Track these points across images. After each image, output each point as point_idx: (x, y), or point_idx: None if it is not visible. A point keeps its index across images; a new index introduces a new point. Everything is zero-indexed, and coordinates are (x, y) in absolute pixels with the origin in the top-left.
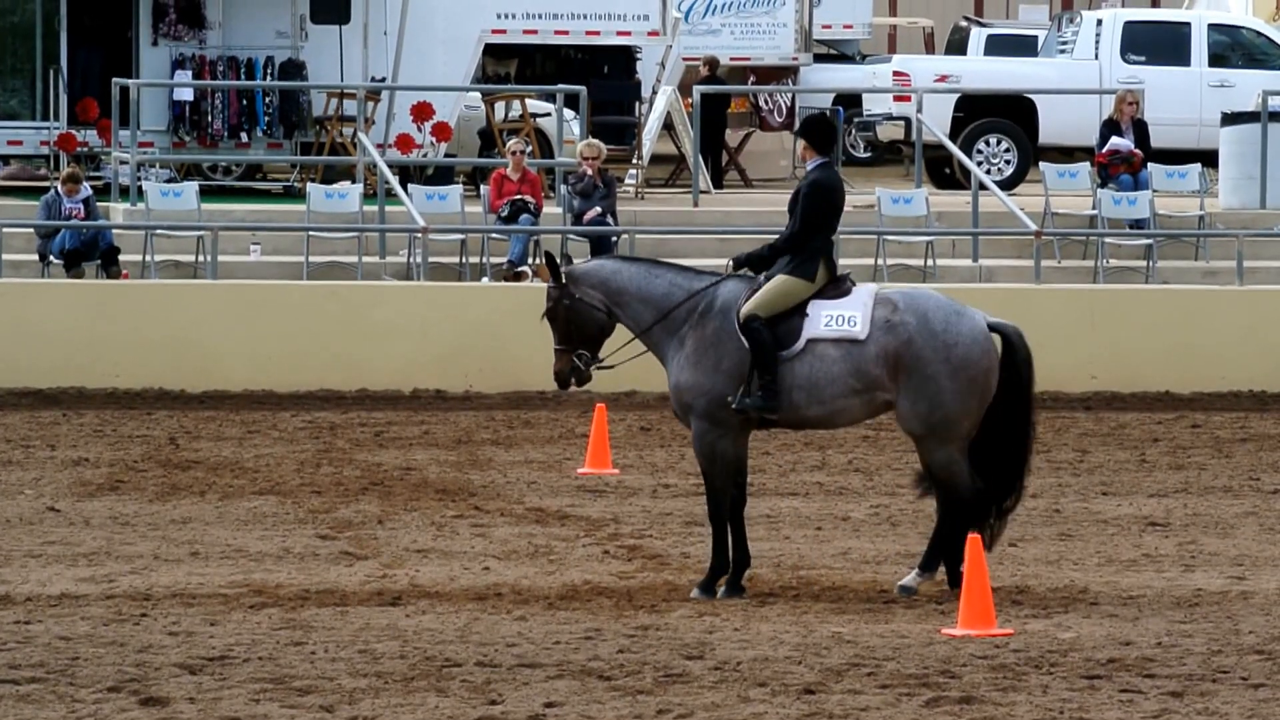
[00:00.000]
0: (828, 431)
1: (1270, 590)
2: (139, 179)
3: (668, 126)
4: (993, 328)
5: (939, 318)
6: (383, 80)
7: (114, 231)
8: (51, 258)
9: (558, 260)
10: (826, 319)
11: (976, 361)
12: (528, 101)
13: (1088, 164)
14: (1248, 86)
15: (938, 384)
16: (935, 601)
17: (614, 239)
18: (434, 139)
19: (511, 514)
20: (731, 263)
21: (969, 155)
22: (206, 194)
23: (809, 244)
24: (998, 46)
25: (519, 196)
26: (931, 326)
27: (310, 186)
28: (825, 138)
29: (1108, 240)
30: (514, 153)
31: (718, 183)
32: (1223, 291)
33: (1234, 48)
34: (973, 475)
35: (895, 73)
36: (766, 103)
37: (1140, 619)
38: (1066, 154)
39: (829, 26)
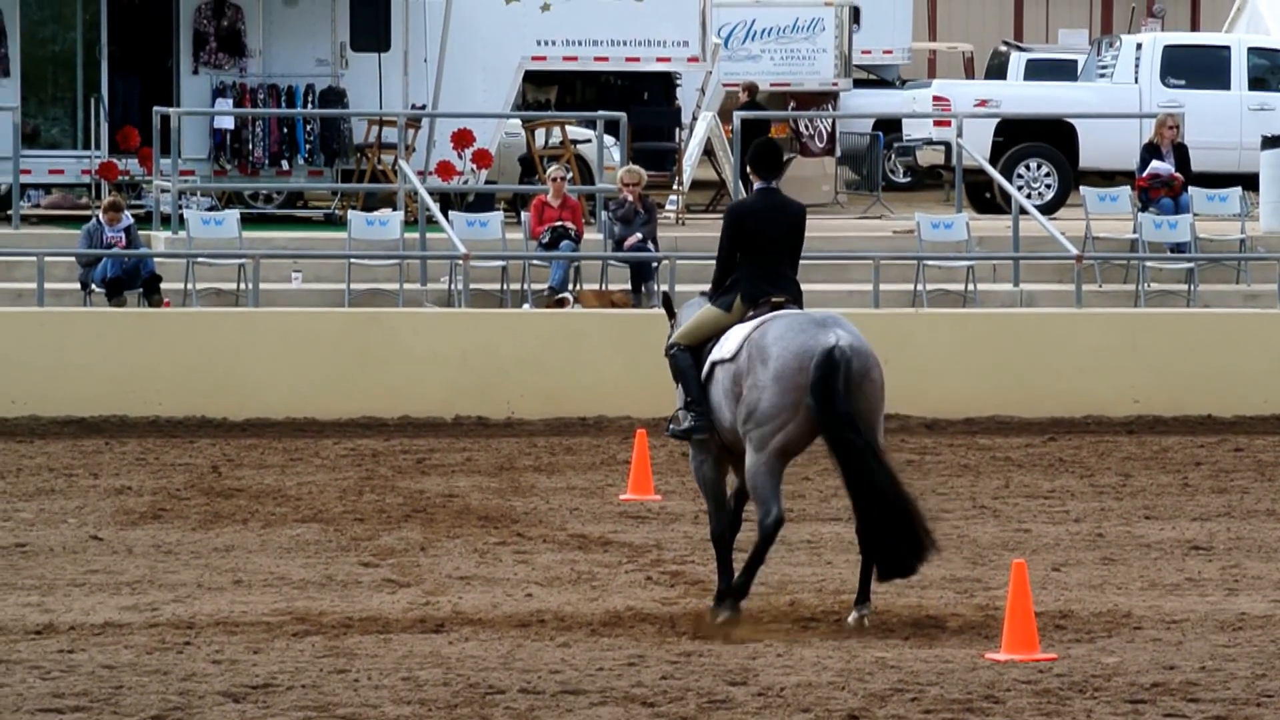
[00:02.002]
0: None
1: None
2: (180, 207)
3: (708, 152)
4: (835, 348)
5: (777, 333)
6: (423, 107)
7: (155, 260)
8: (93, 286)
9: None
10: (720, 343)
11: (791, 376)
12: (568, 128)
13: (1128, 188)
14: None
15: (757, 392)
16: (979, 626)
17: (655, 265)
18: (475, 166)
19: (554, 540)
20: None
21: (1009, 180)
22: (248, 222)
23: (725, 274)
24: (1037, 71)
25: (560, 223)
26: (765, 341)
27: (351, 214)
28: (763, 161)
29: (1149, 264)
30: (554, 179)
31: None
32: (1264, 315)
33: (1274, 71)
34: (777, 500)
35: (935, 97)
36: (807, 128)
37: (1184, 643)
38: (1107, 178)
39: (869, 52)
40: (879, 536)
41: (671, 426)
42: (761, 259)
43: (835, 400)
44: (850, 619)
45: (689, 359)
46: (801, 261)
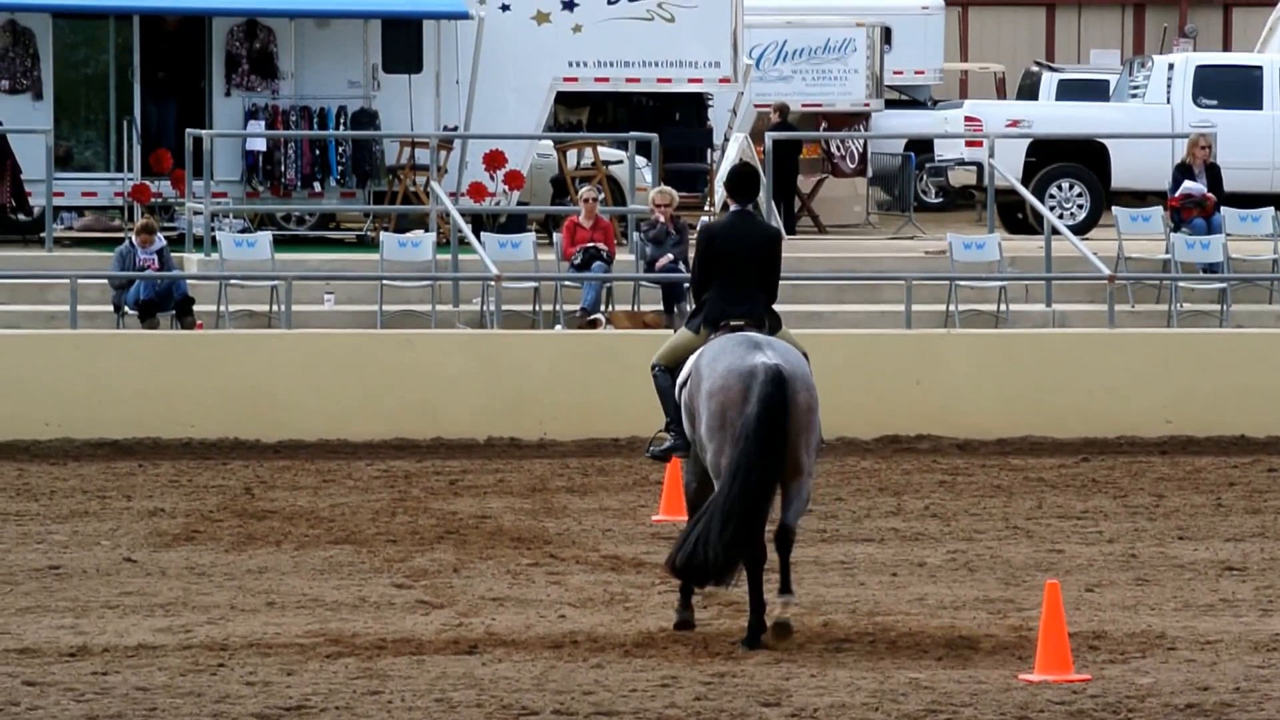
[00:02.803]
0: (903, 477)
1: None
2: (213, 229)
3: None
4: (759, 367)
5: (710, 355)
6: (455, 129)
7: (188, 282)
8: (126, 308)
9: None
10: (684, 365)
11: (712, 395)
12: (600, 149)
13: (1160, 208)
14: None
15: (695, 411)
16: (1012, 647)
17: (686, 285)
18: (506, 187)
19: (587, 561)
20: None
21: (1041, 200)
22: (280, 244)
23: (700, 295)
24: (1069, 91)
25: (592, 244)
26: (701, 363)
27: (383, 235)
28: (740, 185)
29: (1181, 284)
30: (586, 200)
31: (790, 228)
32: None
33: None
34: (699, 505)
35: (967, 118)
36: (839, 149)
37: (1218, 664)
38: (1139, 198)
39: (900, 72)
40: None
41: (652, 448)
42: (731, 280)
43: (755, 420)
44: (774, 613)
45: (668, 379)
46: (835, 282)
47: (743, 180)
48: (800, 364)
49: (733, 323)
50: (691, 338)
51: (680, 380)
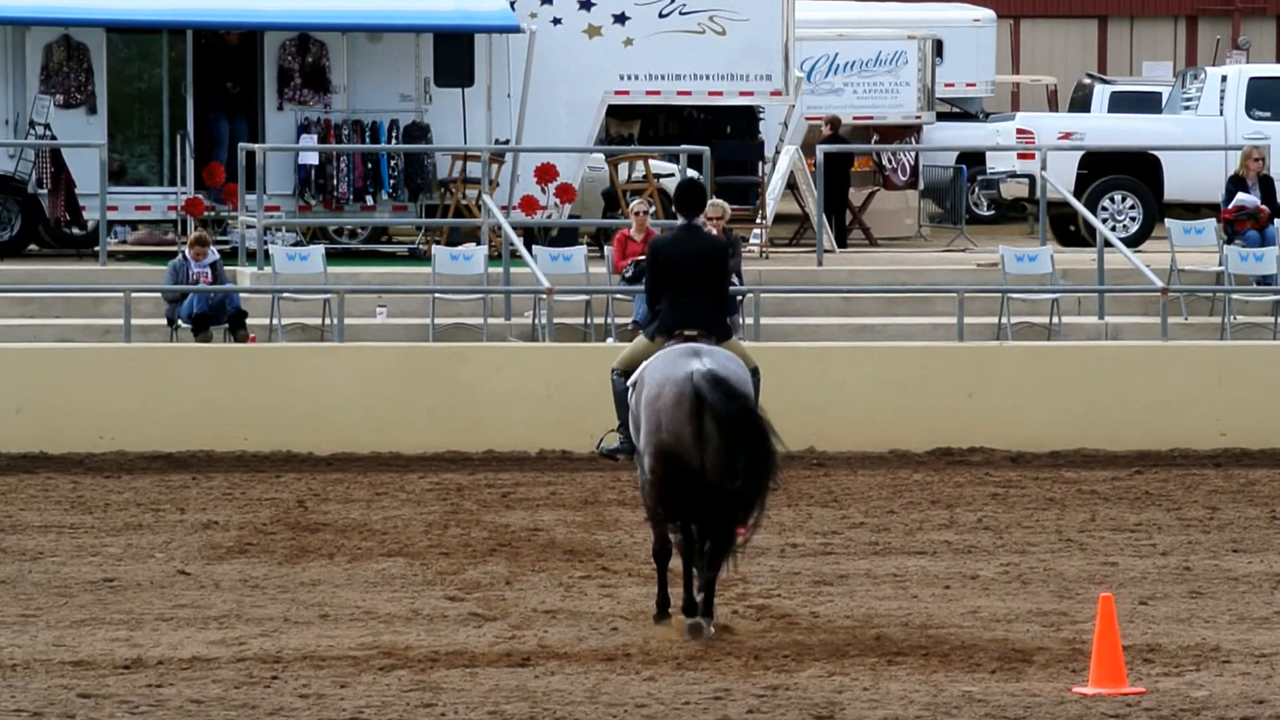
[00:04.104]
0: (956, 489)
1: None
2: (265, 243)
3: (791, 186)
4: (694, 373)
5: (652, 363)
6: (506, 142)
7: (241, 295)
8: (179, 322)
9: None
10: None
11: (650, 402)
12: (651, 162)
13: (1214, 220)
14: None
15: (637, 417)
16: (1066, 660)
17: (739, 299)
18: (558, 200)
19: (639, 574)
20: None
21: (1094, 212)
22: (332, 257)
23: (654, 305)
24: (1121, 103)
25: (643, 257)
26: (645, 371)
27: (435, 249)
28: (686, 200)
29: (1234, 296)
30: (638, 213)
31: (842, 242)
32: None
33: None
34: (659, 510)
35: (1019, 130)
36: (890, 161)
37: (1273, 677)
38: (1192, 210)
39: (952, 85)
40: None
41: (602, 445)
42: (681, 292)
43: (703, 418)
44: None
45: (623, 383)
46: (886, 295)
47: (689, 195)
48: (737, 371)
49: (686, 332)
50: (647, 345)
51: (630, 384)
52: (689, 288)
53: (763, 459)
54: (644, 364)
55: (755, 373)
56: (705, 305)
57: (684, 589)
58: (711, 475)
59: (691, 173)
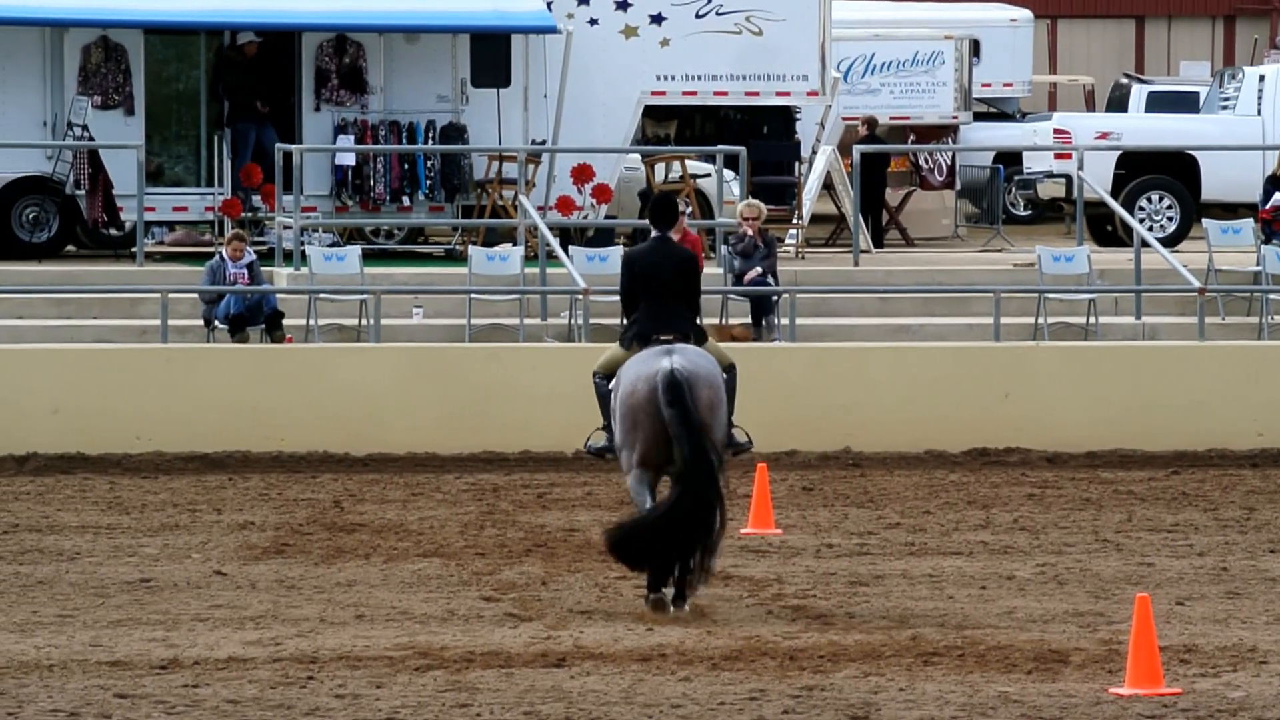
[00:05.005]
0: (992, 490)
1: None
2: (302, 243)
3: (827, 186)
4: (662, 372)
5: (628, 364)
6: (543, 143)
7: (278, 296)
8: (216, 323)
9: None
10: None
11: (624, 399)
12: (687, 162)
13: (1251, 220)
14: None
15: (615, 415)
16: (1102, 661)
17: (775, 299)
18: (594, 201)
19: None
20: None
21: (1131, 212)
22: (369, 258)
23: (629, 313)
24: (1159, 103)
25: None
26: (622, 372)
27: (472, 249)
28: (659, 214)
29: (1272, 297)
30: None
31: (878, 242)
32: None
33: None
34: (642, 501)
35: (1056, 130)
36: (927, 162)
37: None
38: (1229, 210)
39: (989, 85)
40: (653, 544)
41: (588, 443)
42: (654, 300)
43: (666, 408)
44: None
45: (605, 386)
46: (923, 295)
47: (661, 209)
48: (707, 366)
49: (661, 338)
50: (623, 353)
51: (611, 387)
52: (662, 295)
53: (696, 474)
54: (622, 367)
55: (731, 369)
56: (678, 312)
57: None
58: (678, 466)
59: (730, 174)
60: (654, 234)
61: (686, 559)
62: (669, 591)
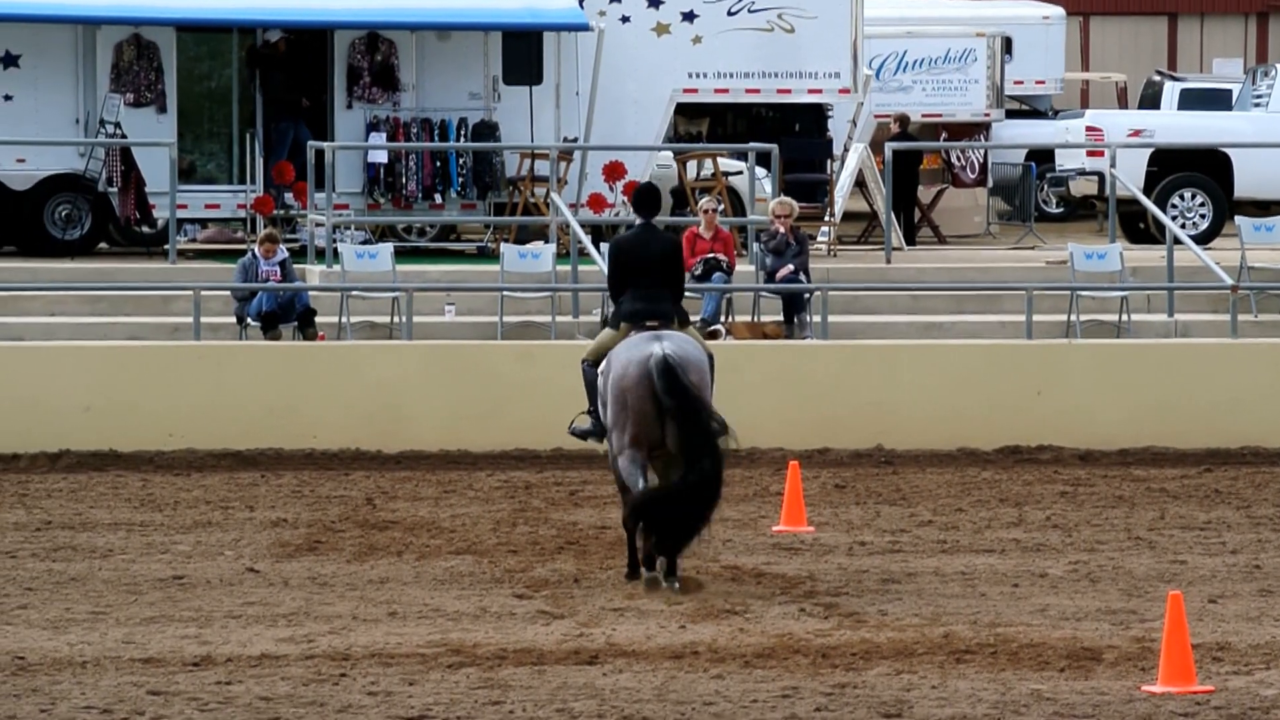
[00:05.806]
0: (1025, 487)
1: None
2: (334, 241)
3: (860, 184)
4: (653, 356)
5: (618, 349)
6: (575, 140)
7: (310, 293)
8: (249, 320)
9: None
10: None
11: (616, 382)
12: (719, 160)
13: None
14: None
15: (605, 399)
16: (1135, 659)
17: (807, 296)
18: (626, 198)
19: (707, 572)
20: None
21: (1163, 210)
22: (401, 255)
23: (617, 299)
24: (1192, 100)
25: (712, 255)
26: (612, 356)
27: (504, 246)
28: (643, 202)
29: None
30: (706, 211)
31: (910, 239)
32: None
33: None
34: (638, 485)
35: (1088, 128)
36: (959, 159)
37: None
38: (1262, 208)
39: (1021, 82)
40: (673, 511)
41: (574, 425)
42: (640, 285)
43: (665, 394)
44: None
45: (593, 372)
46: (955, 293)
47: (645, 197)
48: (695, 351)
49: (648, 322)
50: (613, 335)
51: (600, 371)
52: (647, 281)
53: (703, 448)
54: (611, 353)
55: (710, 359)
56: (663, 296)
57: (642, 544)
58: (671, 448)
59: (762, 171)
60: (639, 221)
61: (700, 526)
62: (656, 573)
